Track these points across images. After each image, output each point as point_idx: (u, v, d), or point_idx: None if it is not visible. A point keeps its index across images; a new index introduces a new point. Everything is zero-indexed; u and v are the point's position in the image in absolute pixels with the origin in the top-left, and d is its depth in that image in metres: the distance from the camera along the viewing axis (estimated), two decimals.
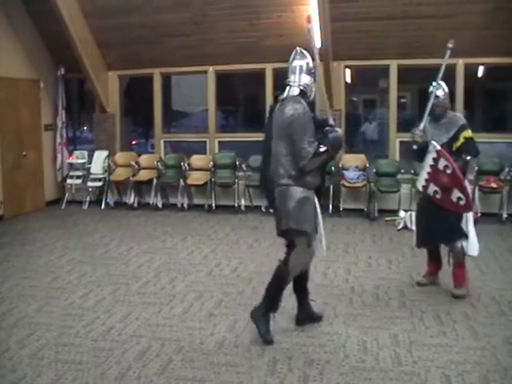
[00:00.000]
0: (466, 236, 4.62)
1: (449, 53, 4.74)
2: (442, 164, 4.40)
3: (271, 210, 4.11)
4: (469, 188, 4.56)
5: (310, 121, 3.69)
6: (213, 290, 4.95)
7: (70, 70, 9.35)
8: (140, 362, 3.53)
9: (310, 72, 3.81)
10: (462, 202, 4.39)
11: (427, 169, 4.56)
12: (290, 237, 3.84)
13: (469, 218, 4.68)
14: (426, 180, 4.61)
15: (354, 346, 3.72)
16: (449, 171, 4.36)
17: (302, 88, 3.77)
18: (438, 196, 4.55)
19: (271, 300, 3.82)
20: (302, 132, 3.62)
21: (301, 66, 3.80)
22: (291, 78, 3.81)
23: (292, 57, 3.86)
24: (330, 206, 8.25)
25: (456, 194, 4.39)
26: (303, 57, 3.83)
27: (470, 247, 4.64)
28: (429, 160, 4.53)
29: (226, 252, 6.27)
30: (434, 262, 4.94)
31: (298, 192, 3.72)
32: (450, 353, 3.59)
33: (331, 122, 3.84)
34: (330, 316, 4.27)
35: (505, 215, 7.73)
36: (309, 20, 4.11)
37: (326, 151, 3.66)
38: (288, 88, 3.83)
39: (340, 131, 3.80)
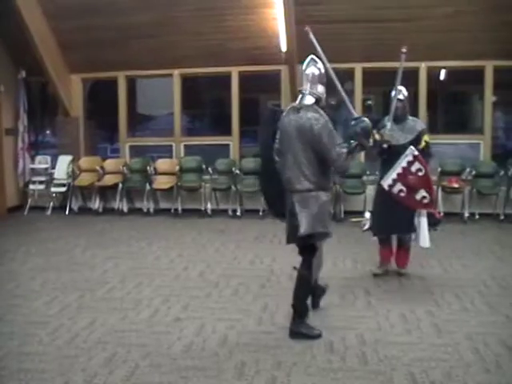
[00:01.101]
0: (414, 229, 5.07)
1: (403, 57, 4.89)
2: (415, 167, 4.66)
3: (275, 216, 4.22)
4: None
5: (331, 125, 3.78)
6: (179, 294, 4.91)
7: (32, 73, 9.16)
8: (106, 369, 3.47)
9: (322, 80, 3.92)
10: (425, 201, 4.71)
11: (398, 170, 4.74)
12: (311, 240, 3.90)
13: (422, 212, 4.97)
14: (394, 180, 4.78)
15: (321, 347, 3.75)
16: (421, 174, 4.65)
17: (316, 97, 3.87)
18: (402, 194, 4.77)
19: (302, 307, 3.93)
20: (331, 140, 3.71)
21: (313, 74, 3.91)
22: (305, 85, 3.89)
23: (305, 64, 3.95)
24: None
25: (421, 193, 4.68)
26: (316, 64, 3.94)
27: (423, 239, 5.00)
28: (402, 162, 4.72)
29: (192, 256, 6.24)
30: (389, 248, 5.35)
31: (321, 196, 3.82)
32: (414, 350, 3.65)
33: (355, 114, 3.91)
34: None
35: (466, 214, 7.93)
36: (307, 31, 4.18)
37: (357, 145, 3.77)
38: (301, 96, 3.91)
39: (365, 118, 3.83)
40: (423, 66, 8.40)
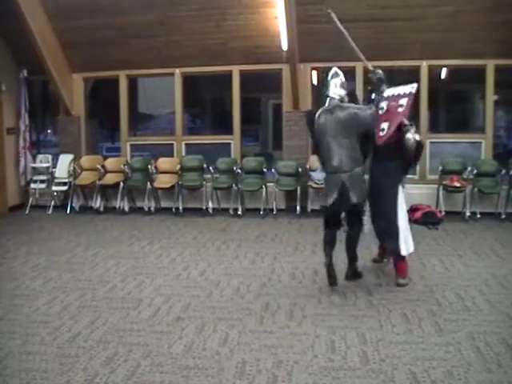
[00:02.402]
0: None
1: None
2: (402, 101, 4.72)
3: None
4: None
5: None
6: (180, 293, 4.91)
7: (33, 72, 9.16)
8: (107, 368, 3.47)
9: (343, 86, 4.92)
10: (381, 133, 4.72)
11: (396, 91, 4.84)
12: (357, 209, 4.84)
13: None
14: (387, 97, 4.87)
15: (323, 346, 3.75)
16: (400, 110, 4.68)
17: (340, 98, 4.85)
18: (380, 112, 4.83)
19: (356, 255, 5.07)
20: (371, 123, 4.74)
21: (336, 83, 4.91)
22: (333, 90, 4.88)
23: (330, 76, 4.98)
24: (298, 207, 8.31)
25: (383, 126, 4.72)
26: (338, 76, 4.96)
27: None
28: (399, 89, 4.83)
29: (193, 255, 6.24)
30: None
31: (362, 174, 4.92)
32: (416, 350, 3.65)
33: (370, 67, 5.23)
34: (299, 317, 4.29)
35: (468, 213, 7.92)
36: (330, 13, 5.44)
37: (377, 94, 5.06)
38: (329, 99, 4.88)
39: (379, 70, 5.10)
40: (424, 65, 8.39)
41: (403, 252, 4.94)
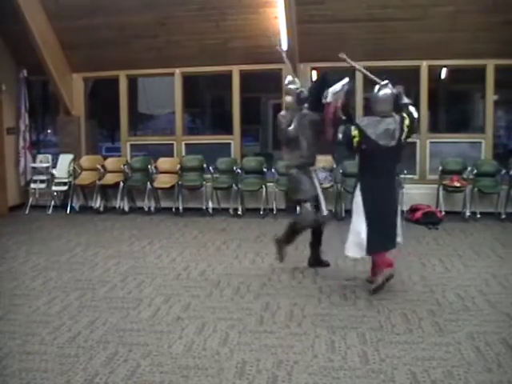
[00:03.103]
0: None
1: (348, 61, 5.35)
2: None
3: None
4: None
5: None
6: (180, 293, 4.91)
7: (33, 72, 9.17)
8: (107, 368, 3.47)
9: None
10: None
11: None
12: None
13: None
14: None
15: (322, 346, 3.75)
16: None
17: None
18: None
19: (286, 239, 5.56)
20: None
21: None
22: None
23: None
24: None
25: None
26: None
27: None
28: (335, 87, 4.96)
29: (193, 255, 6.24)
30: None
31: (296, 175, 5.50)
32: (416, 350, 3.64)
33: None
34: (299, 317, 4.28)
35: (468, 213, 7.93)
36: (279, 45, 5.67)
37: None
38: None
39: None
40: (424, 65, 8.39)
41: (356, 254, 4.88)
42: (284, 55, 5.78)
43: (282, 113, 5.50)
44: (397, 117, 4.65)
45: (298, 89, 5.38)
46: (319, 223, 5.47)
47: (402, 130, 4.62)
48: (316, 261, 5.63)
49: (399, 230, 4.82)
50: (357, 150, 4.76)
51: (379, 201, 4.67)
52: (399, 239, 4.83)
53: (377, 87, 4.73)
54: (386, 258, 4.73)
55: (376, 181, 4.70)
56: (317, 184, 5.48)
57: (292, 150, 5.36)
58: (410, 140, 4.93)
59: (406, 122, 4.64)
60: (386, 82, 4.74)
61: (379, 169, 4.70)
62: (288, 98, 5.50)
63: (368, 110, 4.88)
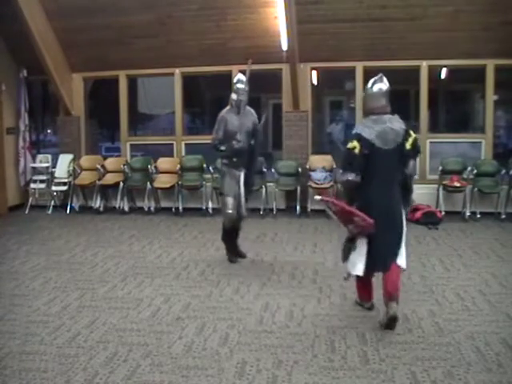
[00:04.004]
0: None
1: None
2: (331, 207, 4.19)
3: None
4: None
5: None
6: (180, 293, 4.91)
7: (33, 72, 9.17)
8: (107, 368, 3.47)
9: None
10: (363, 223, 3.94)
11: (335, 219, 4.27)
12: None
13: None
14: (344, 225, 4.19)
15: (322, 346, 3.75)
16: (338, 208, 4.12)
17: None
18: (355, 230, 4.07)
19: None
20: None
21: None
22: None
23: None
24: (298, 207, 8.31)
25: (357, 218, 3.96)
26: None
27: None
28: (329, 212, 4.27)
29: (193, 255, 6.24)
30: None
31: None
32: (415, 350, 3.64)
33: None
34: (299, 317, 4.29)
35: (468, 213, 7.93)
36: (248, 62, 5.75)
37: None
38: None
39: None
40: (424, 65, 8.38)
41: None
42: (248, 69, 5.72)
43: (226, 109, 5.80)
44: (396, 117, 4.12)
45: (244, 89, 5.66)
46: (234, 219, 5.74)
47: (404, 138, 4.02)
48: (237, 253, 5.98)
49: (402, 252, 4.13)
50: (363, 160, 3.98)
51: (374, 212, 3.93)
52: (400, 262, 4.11)
53: (371, 82, 4.22)
54: (366, 287, 4.34)
55: (373, 189, 4.03)
56: (241, 184, 5.67)
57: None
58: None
59: (411, 139, 4.05)
60: (380, 75, 4.24)
61: (377, 175, 4.02)
62: (233, 96, 5.72)
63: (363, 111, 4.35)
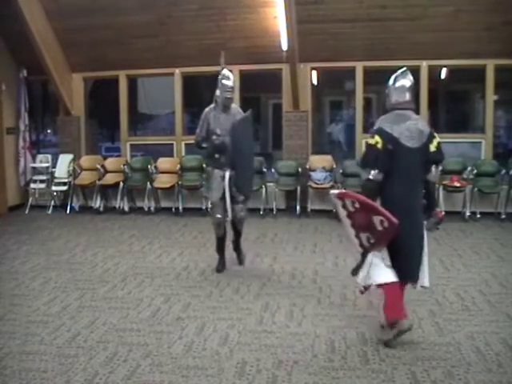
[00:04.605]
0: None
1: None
2: (349, 204, 3.69)
3: None
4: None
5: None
6: (180, 293, 4.91)
7: (33, 72, 9.16)
8: (107, 368, 3.47)
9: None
10: (386, 224, 3.52)
11: (347, 225, 3.81)
12: None
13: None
14: (356, 235, 3.78)
15: (322, 346, 3.75)
16: (357, 205, 3.64)
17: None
18: (372, 240, 3.68)
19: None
20: None
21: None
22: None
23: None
24: (298, 207, 8.31)
25: (377, 219, 3.54)
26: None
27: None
28: (341, 214, 3.81)
29: (193, 255, 6.24)
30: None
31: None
32: (416, 349, 3.64)
33: None
34: (299, 317, 4.29)
35: (468, 213, 7.93)
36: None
37: None
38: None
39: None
40: (424, 65, 8.38)
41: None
42: (222, 62, 5.58)
43: (210, 106, 5.57)
44: (421, 117, 3.87)
45: (232, 88, 5.46)
46: (221, 224, 5.54)
47: (429, 139, 3.76)
48: (223, 261, 5.73)
49: (424, 270, 3.82)
50: (386, 156, 3.67)
51: (397, 214, 3.50)
52: (425, 281, 3.84)
53: (394, 76, 3.96)
54: (400, 298, 3.80)
55: (396, 189, 3.70)
56: (226, 185, 5.34)
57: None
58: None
59: (435, 141, 3.80)
60: (405, 69, 4.01)
61: (400, 174, 3.71)
62: (218, 93, 5.47)
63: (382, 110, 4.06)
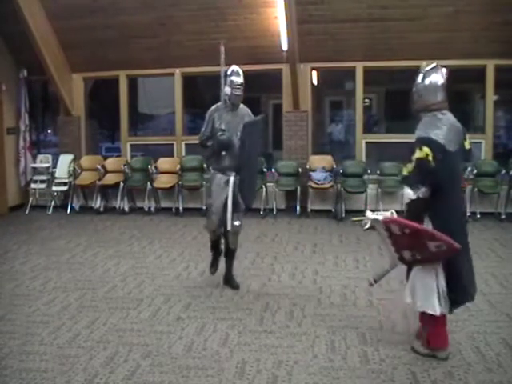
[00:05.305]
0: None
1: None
2: (395, 229, 3.43)
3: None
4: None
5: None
6: (181, 293, 4.91)
7: (33, 72, 9.16)
8: (107, 368, 3.47)
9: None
10: (443, 248, 3.30)
11: (387, 242, 3.58)
12: None
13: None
14: (397, 250, 3.54)
15: (322, 346, 3.75)
16: (407, 231, 3.37)
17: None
18: (418, 257, 3.43)
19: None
20: None
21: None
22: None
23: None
24: (298, 207, 8.31)
25: (433, 244, 3.29)
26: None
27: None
28: (382, 233, 3.56)
29: (193, 255, 6.24)
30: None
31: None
32: None
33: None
34: (299, 317, 4.29)
35: (468, 214, 7.89)
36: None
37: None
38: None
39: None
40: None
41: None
42: (222, 53, 5.32)
43: (217, 105, 5.15)
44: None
45: (242, 84, 5.07)
46: (215, 230, 4.98)
47: (464, 136, 3.52)
48: (216, 263, 5.18)
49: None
50: (439, 169, 3.29)
51: (454, 232, 3.36)
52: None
53: (421, 74, 3.56)
54: (445, 326, 3.56)
55: (450, 203, 3.43)
56: (230, 191, 4.81)
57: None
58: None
59: (467, 136, 3.57)
60: (435, 64, 3.59)
61: (450, 186, 3.38)
62: (227, 90, 5.07)
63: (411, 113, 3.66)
